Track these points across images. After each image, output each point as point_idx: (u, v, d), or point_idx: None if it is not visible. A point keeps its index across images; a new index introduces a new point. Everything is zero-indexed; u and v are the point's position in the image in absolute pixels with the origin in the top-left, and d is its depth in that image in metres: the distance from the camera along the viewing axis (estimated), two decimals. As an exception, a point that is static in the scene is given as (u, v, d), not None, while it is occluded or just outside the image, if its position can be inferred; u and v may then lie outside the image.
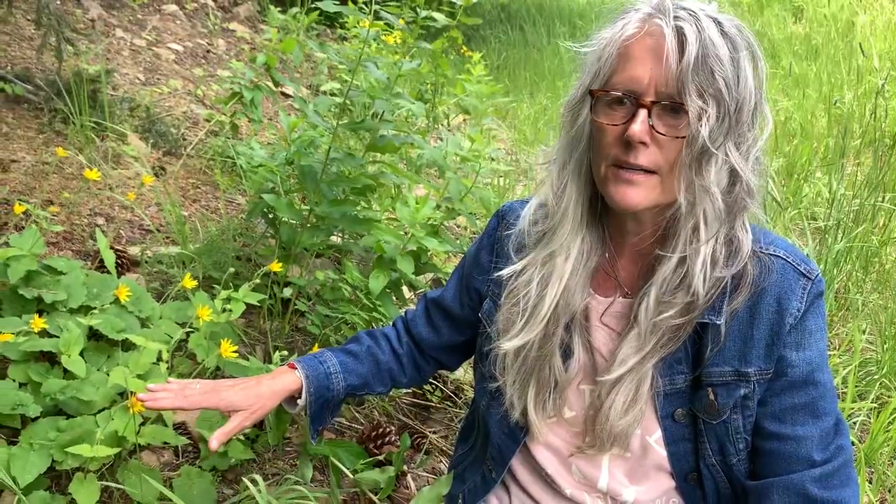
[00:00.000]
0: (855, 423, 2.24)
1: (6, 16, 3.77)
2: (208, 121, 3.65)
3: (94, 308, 1.80)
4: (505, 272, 1.17)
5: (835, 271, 2.90)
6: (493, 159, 2.25)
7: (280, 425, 1.66)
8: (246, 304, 1.79)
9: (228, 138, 3.33)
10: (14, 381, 1.60)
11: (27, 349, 1.62)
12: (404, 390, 2.24)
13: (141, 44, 4.55)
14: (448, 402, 2.25)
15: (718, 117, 0.93)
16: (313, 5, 2.16)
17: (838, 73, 6.08)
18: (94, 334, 1.78)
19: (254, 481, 1.43)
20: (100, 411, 1.60)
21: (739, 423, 1.05)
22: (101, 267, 2.08)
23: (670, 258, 1.01)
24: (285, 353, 1.71)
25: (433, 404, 2.23)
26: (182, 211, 2.79)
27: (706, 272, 0.99)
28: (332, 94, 3.50)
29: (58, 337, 1.66)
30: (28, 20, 3.92)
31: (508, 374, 1.15)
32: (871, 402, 2.30)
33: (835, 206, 3.25)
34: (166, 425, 1.65)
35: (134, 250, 2.42)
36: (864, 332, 2.71)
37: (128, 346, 1.78)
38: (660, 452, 1.11)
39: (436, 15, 2.22)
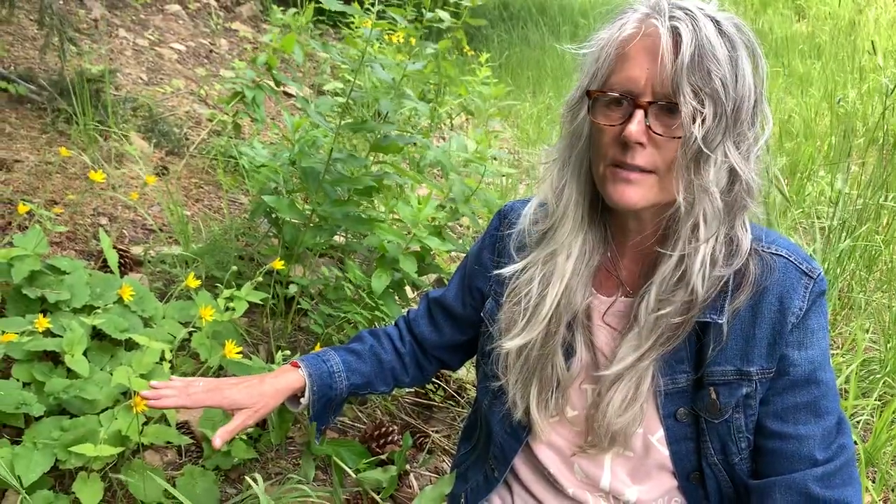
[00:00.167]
0: (858, 422, 2.24)
1: (9, 16, 3.77)
2: (211, 120, 3.65)
3: (98, 308, 1.80)
4: (506, 271, 1.17)
5: (838, 270, 2.90)
6: (495, 158, 2.25)
7: (283, 425, 1.67)
8: (249, 303, 1.79)
9: (231, 138, 3.34)
10: (18, 380, 1.61)
11: (31, 349, 1.62)
12: (407, 390, 2.25)
13: (144, 44, 4.56)
14: (450, 402, 2.25)
15: (716, 117, 0.93)
16: (316, 5, 2.17)
17: (842, 72, 6.07)
18: (97, 334, 1.79)
19: (255, 480, 1.44)
20: (103, 411, 1.60)
21: (741, 423, 1.05)
22: (105, 267, 2.09)
23: (670, 257, 1.01)
24: (288, 352, 1.71)
25: (436, 403, 2.24)
26: (185, 211, 2.79)
27: (705, 271, 0.99)
28: (335, 94, 3.51)
29: (61, 336, 1.66)
30: (31, 20, 3.92)
31: (511, 374, 1.15)
32: (875, 401, 2.30)
33: (839, 205, 3.24)
34: (169, 425, 1.65)
35: (137, 250, 2.42)
36: (867, 331, 2.71)
37: (131, 345, 1.79)
38: (662, 452, 1.11)
39: (442, 14, 2.22)
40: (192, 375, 1.72)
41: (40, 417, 1.56)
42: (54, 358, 1.70)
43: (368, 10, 2.03)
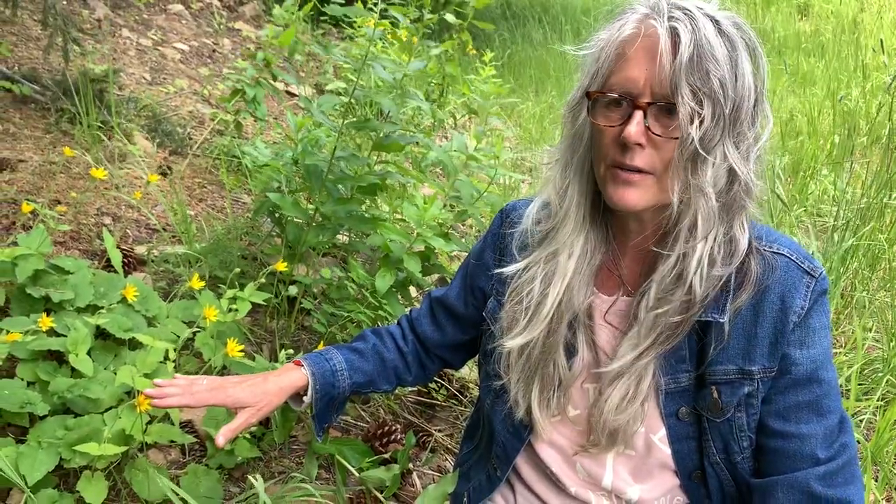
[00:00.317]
0: (861, 421, 2.24)
1: (12, 16, 3.78)
2: (213, 120, 3.66)
3: (102, 307, 1.81)
4: (508, 270, 1.17)
5: (841, 269, 2.89)
6: (497, 158, 2.25)
7: (286, 424, 1.67)
8: (252, 303, 1.80)
9: (234, 137, 3.34)
10: (22, 379, 1.61)
11: (35, 348, 1.63)
12: (409, 389, 2.25)
13: (147, 43, 4.57)
14: (453, 401, 2.25)
15: (714, 117, 0.93)
16: (319, 6, 2.17)
17: (845, 70, 6.06)
18: (101, 333, 1.79)
19: (256, 479, 1.44)
20: (107, 410, 1.61)
21: (743, 421, 1.06)
22: (108, 266, 2.09)
23: (668, 257, 1.01)
24: (291, 351, 1.71)
25: (438, 403, 2.24)
26: (188, 210, 2.80)
27: (702, 271, 1.00)
28: (338, 94, 3.51)
29: (65, 336, 1.67)
30: (34, 20, 3.93)
31: (512, 372, 1.15)
32: (878, 400, 2.30)
33: (842, 203, 3.24)
34: (173, 424, 1.66)
35: (140, 249, 2.43)
36: (870, 329, 2.70)
37: (135, 344, 1.79)
38: (664, 451, 1.11)
39: (448, 17, 2.23)
40: (196, 375, 1.72)
41: (45, 416, 1.56)
42: (58, 357, 1.71)
43: (371, 9, 2.03)
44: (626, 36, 0.97)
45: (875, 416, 2.29)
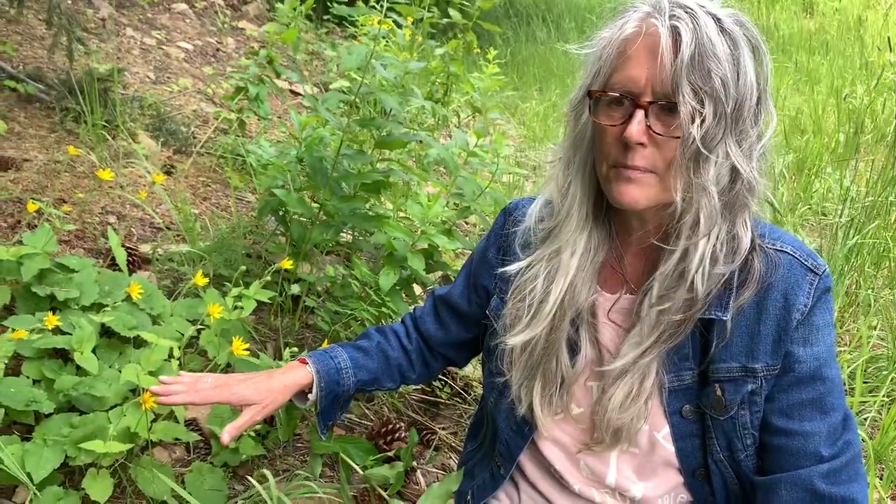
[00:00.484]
0: (865, 418, 2.24)
1: (18, 16, 3.80)
2: (217, 119, 3.67)
3: (107, 305, 1.82)
4: (511, 268, 1.17)
5: (846, 267, 2.89)
6: (503, 157, 2.25)
7: (290, 422, 1.68)
8: (256, 301, 1.80)
9: (238, 136, 3.35)
10: (28, 377, 1.62)
11: (41, 346, 1.63)
12: (413, 387, 2.25)
13: (151, 42, 4.58)
14: (457, 399, 2.25)
15: (715, 116, 0.93)
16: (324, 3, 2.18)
17: (850, 68, 6.04)
18: (106, 331, 1.80)
19: (263, 477, 1.45)
20: (112, 408, 1.61)
21: (747, 419, 1.06)
22: (113, 265, 2.10)
23: (671, 254, 1.01)
24: (295, 349, 1.72)
25: (442, 401, 2.24)
26: (192, 209, 2.81)
27: (704, 269, 1.00)
28: (343, 93, 3.51)
29: (70, 334, 1.68)
30: (39, 20, 3.94)
31: (515, 369, 1.15)
32: (882, 398, 2.29)
33: (846, 201, 3.23)
34: (178, 422, 1.67)
35: (145, 248, 2.43)
36: (874, 328, 2.70)
37: (139, 343, 1.80)
38: (668, 448, 1.11)
39: (452, 13, 2.23)
40: (201, 373, 1.73)
41: (50, 414, 1.57)
42: (64, 355, 1.71)
43: (374, 7, 2.04)
44: (627, 34, 0.97)
45: (880, 413, 2.29)
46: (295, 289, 2.25)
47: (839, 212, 3.19)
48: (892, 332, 2.63)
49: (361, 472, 1.64)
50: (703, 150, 0.93)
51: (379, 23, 1.97)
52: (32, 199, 2.30)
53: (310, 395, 1.29)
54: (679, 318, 1.02)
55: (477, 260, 1.32)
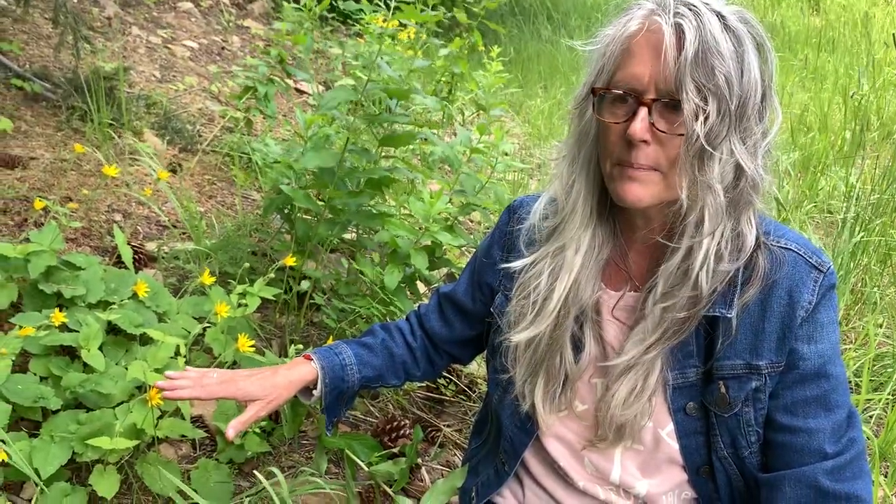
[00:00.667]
0: (871, 416, 2.23)
1: (24, 14, 3.81)
2: (223, 117, 3.67)
3: (113, 303, 1.82)
4: (516, 265, 1.18)
5: (851, 265, 2.88)
6: (506, 154, 2.25)
7: (295, 418, 1.68)
8: (262, 298, 1.81)
9: (243, 134, 3.36)
10: (35, 374, 1.63)
11: (48, 343, 1.64)
12: (418, 384, 2.26)
13: (156, 41, 4.58)
14: (462, 396, 2.26)
15: (719, 113, 0.93)
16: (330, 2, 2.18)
17: (856, 65, 6.02)
18: (112, 329, 1.81)
19: (270, 473, 1.45)
20: (119, 404, 1.62)
21: (751, 416, 1.06)
22: (119, 262, 2.11)
23: (675, 251, 1.01)
24: (301, 346, 1.73)
25: (447, 398, 2.25)
26: (198, 207, 2.82)
27: (709, 266, 1.00)
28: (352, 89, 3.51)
29: (77, 331, 1.68)
30: (46, 19, 3.95)
31: (519, 366, 1.16)
32: (888, 396, 2.29)
33: (852, 199, 3.22)
34: (184, 418, 1.67)
35: (151, 246, 2.44)
36: (880, 326, 2.69)
37: (146, 340, 1.80)
38: (672, 445, 1.11)
39: (457, 14, 2.24)
40: (206, 368, 1.74)
41: (57, 411, 1.58)
42: (71, 353, 1.72)
43: (379, 5, 2.04)
44: (631, 32, 0.97)
45: (885, 411, 2.28)
46: (304, 285, 2.26)
47: (845, 209, 3.18)
48: (897, 330, 2.62)
49: (366, 469, 1.64)
50: (707, 147, 0.93)
51: (384, 21, 1.97)
52: (39, 197, 2.31)
53: (314, 392, 1.30)
54: (683, 316, 1.02)
55: (481, 257, 1.33)
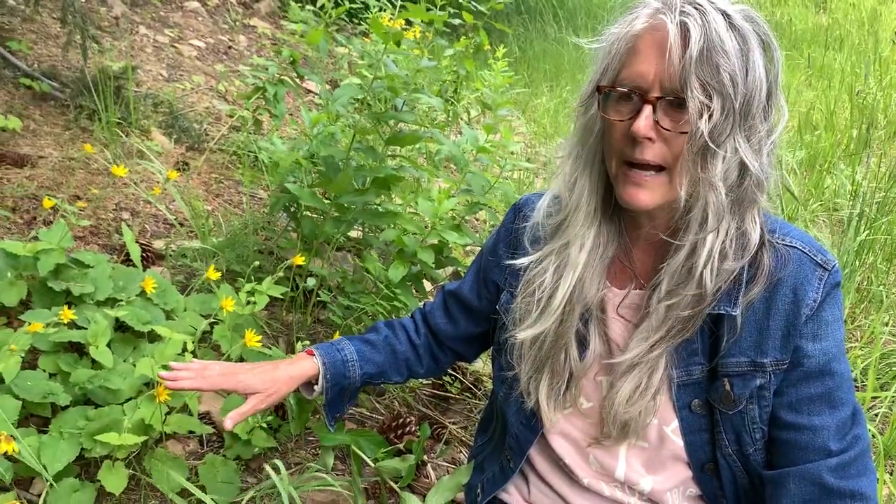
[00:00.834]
0: (876, 414, 2.23)
1: (32, 14, 3.83)
2: (230, 116, 3.69)
3: (121, 300, 1.84)
4: (520, 262, 1.18)
5: (857, 263, 2.88)
6: (512, 152, 2.26)
7: (302, 415, 1.69)
8: (269, 296, 1.82)
9: (250, 133, 3.37)
10: (44, 371, 1.64)
11: (56, 340, 1.66)
12: (424, 382, 2.27)
13: (164, 40, 4.60)
14: (467, 394, 2.26)
15: (723, 111, 0.93)
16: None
17: (863, 63, 6.00)
18: (120, 326, 1.82)
19: (276, 468, 1.46)
20: (127, 401, 1.63)
21: (756, 414, 1.06)
22: (127, 260, 2.12)
23: (679, 250, 1.02)
24: (307, 343, 1.73)
25: (452, 395, 2.25)
26: (205, 205, 2.83)
27: (713, 265, 1.00)
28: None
29: (86, 328, 1.70)
30: (54, 18, 3.97)
31: (524, 363, 1.16)
32: (893, 394, 2.29)
33: (858, 197, 3.21)
34: (192, 414, 1.69)
35: (158, 244, 2.45)
36: (886, 324, 2.69)
37: (153, 337, 1.82)
38: (677, 442, 1.11)
39: (464, 15, 2.24)
40: (211, 361, 1.74)
41: (66, 407, 1.59)
42: (79, 349, 1.74)
43: (386, 4, 2.04)
44: (636, 30, 0.98)
45: (890, 409, 2.28)
46: (311, 282, 2.27)
47: (851, 208, 3.17)
48: (903, 329, 2.62)
49: (373, 465, 1.65)
50: (711, 144, 0.94)
51: (390, 20, 1.98)
52: (48, 195, 2.33)
53: (316, 387, 1.31)
54: (688, 314, 1.02)
55: (487, 255, 1.33)
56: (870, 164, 3.82)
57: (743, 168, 0.98)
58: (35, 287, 1.82)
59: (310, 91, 4.72)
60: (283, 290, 1.85)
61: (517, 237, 1.25)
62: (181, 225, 2.64)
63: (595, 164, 1.09)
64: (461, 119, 3.92)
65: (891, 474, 2.02)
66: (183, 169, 3.09)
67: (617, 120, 1.00)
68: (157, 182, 2.85)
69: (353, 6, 1.99)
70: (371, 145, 2.18)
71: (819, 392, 1.03)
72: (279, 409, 1.87)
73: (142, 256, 2.12)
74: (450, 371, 2.28)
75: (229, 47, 5.06)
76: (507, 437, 1.29)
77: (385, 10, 2.03)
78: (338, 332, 2.12)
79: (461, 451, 2.04)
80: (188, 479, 1.54)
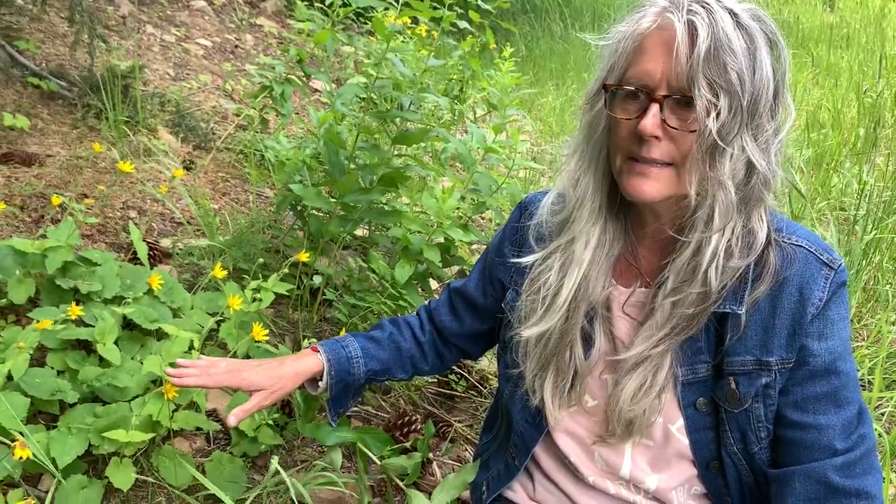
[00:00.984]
0: (882, 413, 2.22)
1: (40, 13, 3.84)
2: (237, 115, 3.70)
3: (128, 298, 1.85)
4: (526, 260, 1.19)
5: (863, 262, 2.87)
6: (519, 153, 2.26)
7: (308, 413, 1.70)
8: (275, 294, 1.82)
9: (257, 132, 3.38)
10: (53, 368, 1.65)
11: (64, 337, 1.67)
12: (429, 380, 2.27)
13: (170, 39, 4.61)
14: (473, 392, 2.27)
15: (731, 110, 0.93)
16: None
17: (870, 62, 5.97)
18: (127, 324, 1.83)
19: (284, 466, 1.46)
20: (134, 398, 1.64)
21: (761, 412, 1.06)
22: (135, 259, 2.13)
23: (685, 248, 1.02)
24: (313, 340, 1.74)
25: (458, 394, 2.26)
26: (212, 204, 2.84)
27: (718, 263, 1.00)
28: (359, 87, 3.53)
29: (93, 326, 1.71)
30: (61, 17, 3.99)
31: (529, 361, 1.17)
32: (901, 394, 2.28)
33: (865, 196, 3.20)
34: (199, 411, 1.69)
35: (165, 242, 2.46)
36: (893, 323, 2.68)
37: (160, 335, 1.82)
38: (682, 441, 1.12)
39: (471, 14, 2.25)
40: (217, 357, 1.75)
41: (74, 404, 1.60)
42: (87, 347, 1.75)
43: (392, 3, 2.05)
44: (643, 29, 0.98)
45: (897, 409, 2.27)
46: (317, 280, 2.28)
47: (857, 207, 3.16)
48: (910, 328, 2.60)
49: (378, 463, 1.66)
50: (719, 142, 0.94)
51: (395, 18, 1.98)
52: (56, 193, 2.34)
53: (320, 383, 1.32)
54: (692, 312, 1.02)
55: (492, 253, 1.34)
56: (877, 163, 3.81)
57: (750, 166, 0.98)
58: (43, 285, 1.83)
59: (316, 90, 4.73)
60: (288, 287, 1.86)
61: (523, 235, 1.25)
62: (188, 223, 2.65)
63: (599, 162, 1.09)
64: (467, 118, 3.92)
65: (897, 474, 2.01)
66: (190, 167, 3.10)
67: (623, 118, 1.00)
68: (164, 181, 2.86)
69: (360, 6, 1.99)
70: (375, 144, 2.18)
71: (825, 391, 1.03)
72: (285, 406, 1.88)
73: (149, 255, 2.13)
74: (455, 369, 2.28)
75: (236, 46, 5.07)
76: (513, 435, 1.29)
77: (390, 10, 2.02)
78: (343, 330, 2.12)
79: (467, 449, 2.05)
80: (194, 477, 1.55)
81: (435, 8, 2.02)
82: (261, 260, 1.94)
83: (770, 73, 0.96)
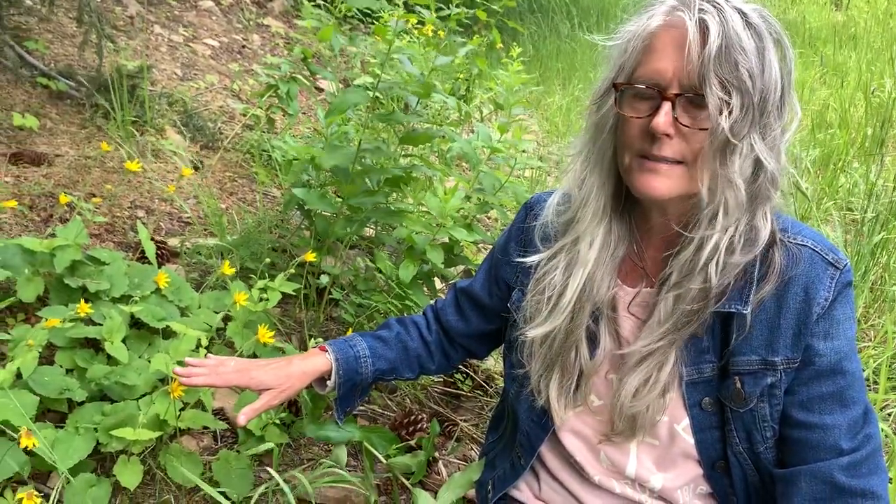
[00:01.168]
0: (889, 414, 2.22)
1: (49, 14, 3.86)
2: (244, 115, 3.71)
3: (136, 297, 1.85)
4: (531, 260, 1.19)
5: (871, 263, 2.86)
6: (524, 151, 2.27)
7: (315, 412, 1.70)
8: (282, 293, 1.83)
9: (264, 132, 3.39)
10: (61, 366, 1.66)
11: (73, 335, 1.68)
12: (435, 379, 2.28)
13: (178, 40, 4.63)
14: (479, 392, 2.27)
15: (742, 108, 0.94)
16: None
17: (878, 61, 5.95)
18: (135, 322, 1.84)
19: (290, 464, 1.47)
20: (142, 396, 1.65)
21: (766, 412, 1.06)
22: (142, 258, 2.14)
23: (689, 244, 1.02)
24: (320, 340, 1.74)
25: (464, 393, 2.26)
26: (219, 203, 2.85)
27: (719, 258, 1.00)
28: (366, 88, 3.54)
29: (101, 325, 1.72)
30: (70, 18, 4.01)
31: (534, 361, 1.17)
32: (907, 394, 2.27)
33: (872, 196, 3.19)
34: (206, 410, 1.70)
35: (173, 242, 2.47)
36: (900, 323, 2.67)
37: (168, 333, 1.83)
38: (687, 440, 1.12)
39: (479, 13, 2.25)
40: (226, 356, 1.76)
41: (82, 402, 1.61)
42: (95, 345, 1.76)
43: (395, 4, 2.05)
44: (653, 28, 0.98)
45: (904, 410, 2.26)
46: (324, 279, 2.29)
47: (865, 207, 3.15)
48: (918, 329, 2.59)
49: (384, 462, 1.66)
50: (732, 140, 0.94)
51: (399, 17, 1.99)
52: (64, 193, 2.35)
53: (328, 382, 1.32)
54: (693, 308, 1.03)
55: (498, 253, 1.34)
56: (884, 163, 3.79)
57: (758, 165, 0.98)
58: (52, 283, 1.84)
59: (323, 89, 4.74)
60: (295, 286, 1.86)
61: (528, 235, 1.26)
62: (196, 223, 2.66)
63: (605, 162, 1.09)
64: (473, 118, 3.93)
65: (904, 474, 2.00)
66: (197, 167, 3.11)
67: (634, 117, 1.01)
68: (172, 180, 2.87)
69: (360, 6, 1.99)
70: (378, 145, 2.19)
71: (830, 391, 1.03)
72: (292, 405, 1.89)
73: (157, 254, 2.14)
74: (461, 368, 2.29)
75: (243, 46, 5.08)
76: (518, 435, 1.29)
77: (395, 9, 2.03)
78: (350, 330, 2.13)
79: (472, 449, 2.05)
80: (202, 475, 1.56)
81: (440, 9, 2.03)
82: (268, 259, 1.94)
83: (778, 72, 0.97)
